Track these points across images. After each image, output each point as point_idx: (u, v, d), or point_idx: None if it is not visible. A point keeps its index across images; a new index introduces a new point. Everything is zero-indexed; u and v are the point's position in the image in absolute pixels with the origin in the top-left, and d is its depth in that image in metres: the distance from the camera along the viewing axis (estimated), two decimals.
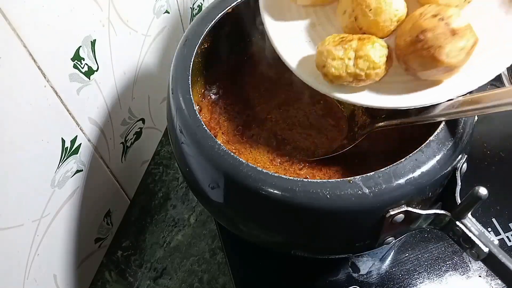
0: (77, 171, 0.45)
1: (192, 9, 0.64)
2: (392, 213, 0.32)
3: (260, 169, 0.32)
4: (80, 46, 0.41)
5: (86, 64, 0.42)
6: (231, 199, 0.36)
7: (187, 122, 0.36)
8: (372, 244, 0.36)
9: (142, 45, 0.52)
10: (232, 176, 0.33)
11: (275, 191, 0.32)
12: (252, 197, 0.33)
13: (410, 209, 0.32)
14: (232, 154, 0.33)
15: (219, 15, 0.43)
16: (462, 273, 0.45)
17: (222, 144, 0.34)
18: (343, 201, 0.31)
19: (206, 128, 0.35)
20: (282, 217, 0.34)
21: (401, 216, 0.32)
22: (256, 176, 0.32)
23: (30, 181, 0.38)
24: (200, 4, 0.66)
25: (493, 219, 0.49)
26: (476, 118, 0.36)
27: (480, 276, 0.45)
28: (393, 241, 0.35)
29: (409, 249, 0.47)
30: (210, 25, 0.43)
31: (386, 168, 0.32)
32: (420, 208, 0.33)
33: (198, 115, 0.36)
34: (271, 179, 0.32)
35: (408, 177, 0.32)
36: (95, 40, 0.42)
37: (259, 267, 0.47)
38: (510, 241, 0.47)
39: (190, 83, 0.38)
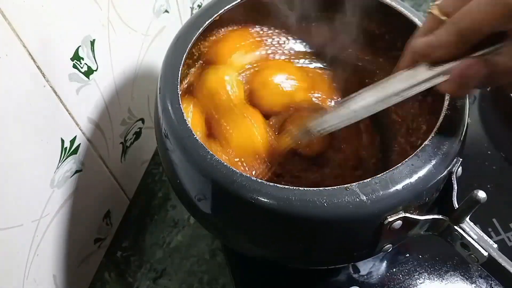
0: (77, 171, 0.45)
1: (192, 8, 0.64)
2: (390, 219, 0.31)
3: (255, 178, 0.32)
4: (80, 46, 0.40)
5: (86, 64, 0.42)
6: (224, 210, 0.35)
7: (175, 129, 0.35)
8: (370, 252, 0.36)
9: (141, 45, 0.51)
10: (226, 186, 0.32)
11: (270, 201, 0.31)
12: (247, 208, 0.32)
13: (408, 215, 0.32)
14: (225, 164, 0.33)
15: (213, 16, 0.43)
16: (462, 274, 0.45)
17: (214, 154, 0.33)
18: (340, 209, 0.31)
19: (197, 137, 0.34)
20: (278, 227, 0.34)
21: (399, 222, 0.32)
22: (250, 186, 0.31)
23: (30, 181, 0.38)
24: (200, 4, 0.66)
25: (494, 220, 0.49)
26: (469, 120, 0.37)
27: (480, 276, 0.45)
28: (391, 248, 0.35)
29: (410, 249, 0.47)
30: (203, 27, 0.42)
31: (382, 174, 0.32)
32: (418, 214, 0.33)
33: (188, 123, 0.35)
34: (266, 188, 0.31)
35: (405, 183, 0.31)
36: (95, 40, 0.42)
37: (259, 267, 0.47)
38: (510, 241, 0.47)
39: (179, 86, 0.37)
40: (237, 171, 0.32)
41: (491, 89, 0.60)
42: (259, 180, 0.32)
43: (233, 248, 0.41)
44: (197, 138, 0.34)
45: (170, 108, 0.36)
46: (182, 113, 0.36)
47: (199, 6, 0.65)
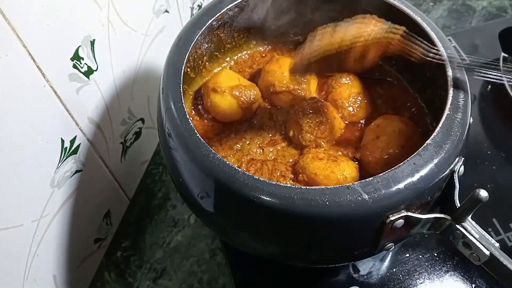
0: (77, 171, 0.45)
1: (192, 8, 0.64)
2: (392, 218, 0.32)
3: (257, 177, 0.32)
4: (80, 46, 0.40)
5: (86, 64, 0.42)
6: (226, 208, 0.35)
7: (178, 128, 0.35)
8: (372, 251, 0.35)
9: (141, 45, 0.51)
10: (228, 185, 0.32)
11: (272, 200, 0.31)
12: (249, 206, 0.32)
13: (409, 213, 0.32)
14: (228, 163, 0.33)
15: (215, 16, 0.43)
16: (462, 274, 0.45)
17: (216, 153, 0.33)
18: (342, 208, 0.31)
19: (199, 136, 0.34)
20: (280, 226, 0.34)
21: (401, 221, 0.32)
22: (253, 185, 0.32)
23: (30, 181, 0.38)
24: (200, 4, 0.66)
25: (494, 219, 0.49)
26: (471, 120, 0.36)
27: (480, 276, 0.45)
28: (393, 247, 0.35)
29: (410, 249, 0.47)
30: (205, 27, 0.42)
31: (384, 173, 0.32)
32: (420, 213, 0.33)
33: (191, 123, 0.35)
34: (268, 187, 0.31)
35: (407, 182, 0.32)
36: (95, 40, 0.42)
37: (259, 267, 0.47)
38: (510, 241, 0.47)
39: (181, 87, 0.38)
40: (240, 169, 0.32)
41: (491, 89, 0.60)
42: (261, 179, 0.32)
43: (235, 246, 0.40)
44: (199, 136, 0.34)
45: (173, 107, 0.37)
46: (185, 112, 0.36)
47: (199, 6, 0.65)
